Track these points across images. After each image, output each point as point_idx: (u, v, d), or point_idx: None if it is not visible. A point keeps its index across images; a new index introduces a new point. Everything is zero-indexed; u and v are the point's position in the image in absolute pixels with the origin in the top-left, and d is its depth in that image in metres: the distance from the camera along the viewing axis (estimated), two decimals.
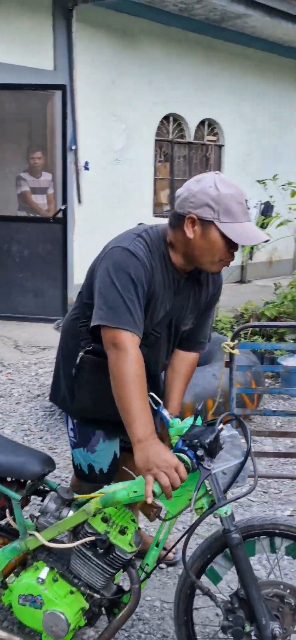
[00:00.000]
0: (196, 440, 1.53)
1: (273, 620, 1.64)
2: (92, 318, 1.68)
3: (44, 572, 1.76)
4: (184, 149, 8.31)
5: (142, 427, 1.55)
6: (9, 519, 1.85)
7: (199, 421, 1.66)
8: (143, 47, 7.32)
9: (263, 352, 4.73)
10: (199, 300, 1.91)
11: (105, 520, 1.67)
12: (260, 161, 9.02)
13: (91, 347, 1.82)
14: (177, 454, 1.53)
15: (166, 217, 7.82)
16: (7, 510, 1.86)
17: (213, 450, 1.53)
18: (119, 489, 1.64)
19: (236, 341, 2.51)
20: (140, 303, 1.66)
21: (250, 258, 9.14)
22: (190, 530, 1.60)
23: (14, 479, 1.85)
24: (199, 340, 2.01)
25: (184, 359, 2.00)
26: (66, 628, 1.71)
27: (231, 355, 2.53)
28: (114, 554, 1.66)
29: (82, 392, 1.88)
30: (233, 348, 2.49)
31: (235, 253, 1.73)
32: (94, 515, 1.67)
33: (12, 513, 1.84)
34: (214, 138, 8.71)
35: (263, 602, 1.62)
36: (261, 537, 1.72)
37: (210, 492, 1.59)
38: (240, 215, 1.65)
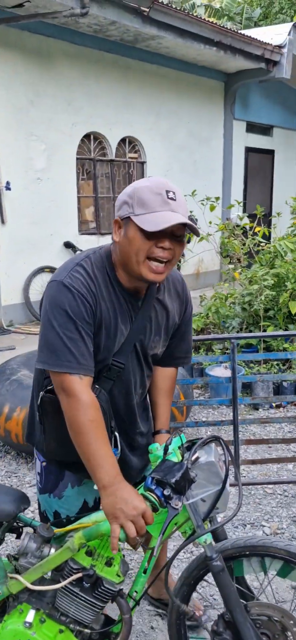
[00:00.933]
0: (163, 479, 1.48)
1: None
2: (36, 359, 1.58)
3: (30, 615, 1.67)
4: (107, 166, 8.39)
5: (106, 473, 1.48)
6: None
7: (174, 454, 1.61)
8: (60, 68, 7.34)
9: (192, 364, 4.87)
10: (164, 321, 1.76)
11: (90, 553, 1.61)
12: (180, 176, 9.30)
13: (52, 386, 1.64)
14: (145, 493, 1.49)
15: (93, 234, 7.92)
16: None
17: (181, 488, 1.49)
18: (102, 521, 1.57)
19: None
20: (83, 338, 1.54)
21: (178, 270, 9.35)
22: (171, 561, 1.59)
23: None
24: (177, 356, 1.90)
25: (163, 374, 1.91)
26: None
27: None
28: (102, 587, 1.60)
29: (49, 433, 1.73)
30: None
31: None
32: (78, 550, 1.60)
33: None
34: (135, 155, 8.87)
35: (250, 624, 1.61)
36: (252, 557, 1.69)
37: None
38: (157, 205, 1.50)
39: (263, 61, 9.34)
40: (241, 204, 6.36)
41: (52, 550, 1.65)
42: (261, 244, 6.06)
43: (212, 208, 5.41)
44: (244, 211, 9.27)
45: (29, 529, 1.72)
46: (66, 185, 7.67)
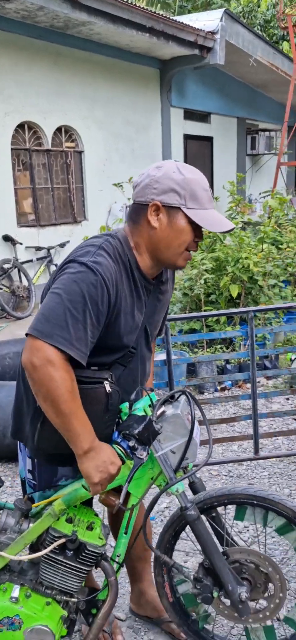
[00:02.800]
0: (127, 432, 1.54)
1: (241, 585, 1.70)
2: (28, 328, 1.46)
3: (16, 591, 1.67)
4: (43, 156, 8.18)
5: (85, 440, 1.48)
6: None
7: (140, 409, 1.63)
8: None
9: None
10: (165, 302, 1.81)
11: (70, 520, 1.63)
12: (119, 165, 9.22)
13: None
14: (113, 446, 1.55)
15: (32, 226, 7.64)
16: None
17: (144, 439, 1.54)
18: (79, 486, 1.60)
19: None
20: (87, 324, 1.44)
21: None
22: (147, 514, 1.68)
23: None
24: (160, 329, 1.93)
25: None
26: (52, 639, 1.64)
27: None
28: (86, 551, 1.63)
29: (49, 433, 1.60)
30: None
31: None
32: (58, 519, 1.62)
33: None
34: (72, 144, 8.69)
35: (229, 569, 1.68)
36: (257, 507, 1.75)
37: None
38: (206, 202, 1.57)
39: (196, 47, 9.39)
40: None
41: (31, 524, 1.65)
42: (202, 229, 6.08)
43: None
44: None
45: (7, 510, 1.71)
46: (1, 177, 7.41)
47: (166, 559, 1.75)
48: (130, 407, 1.63)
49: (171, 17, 9.37)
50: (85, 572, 1.65)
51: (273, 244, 6.23)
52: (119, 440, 1.56)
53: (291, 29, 11.66)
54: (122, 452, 1.55)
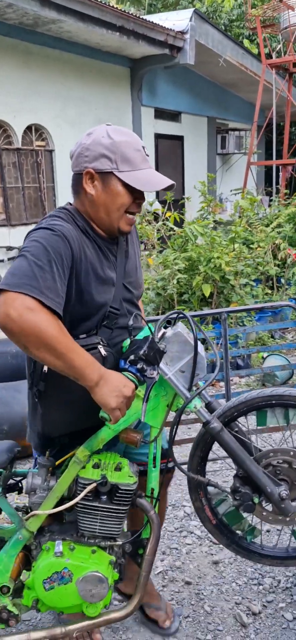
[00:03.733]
0: (132, 356, 1.55)
1: (279, 485, 1.71)
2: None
3: (59, 546, 1.66)
4: (14, 155, 8.06)
5: (92, 370, 1.46)
6: None
7: (145, 332, 1.63)
8: None
9: None
10: (135, 260, 1.83)
11: (97, 466, 1.63)
12: None
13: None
14: (123, 373, 1.55)
15: (3, 225, 7.51)
16: None
17: (151, 358, 1.54)
18: (100, 430, 1.61)
19: None
20: (53, 273, 1.41)
21: None
22: (172, 432, 1.67)
23: None
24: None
25: None
26: (106, 584, 1.64)
27: None
28: (119, 491, 1.63)
29: (56, 410, 1.63)
30: None
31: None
32: (84, 467, 1.61)
33: None
34: (43, 143, 8.60)
35: (264, 472, 1.70)
36: (276, 407, 1.76)
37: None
38: (139, 162, 1.58)
39: (166, 47, 9.41)
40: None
41: (58, 479, 1.65)
42: (174, 229, 6.12)
43: None
44: (157, 197, 9.33)
45: (32, 470, 1.72)
46: None
47: (201, 479, 1.78)
48: (130, 335, 1.64)
49: (141, 17, 9.36)
50: (123, 512, 1.66)
51: (244, 243, 6.33)
52: (126, 366, 1.56)
53: (260, 29, 11.82)
54: (132, 376, 1.54)
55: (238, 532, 1.91)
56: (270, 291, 6.25)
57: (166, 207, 6.43)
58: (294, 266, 6.24)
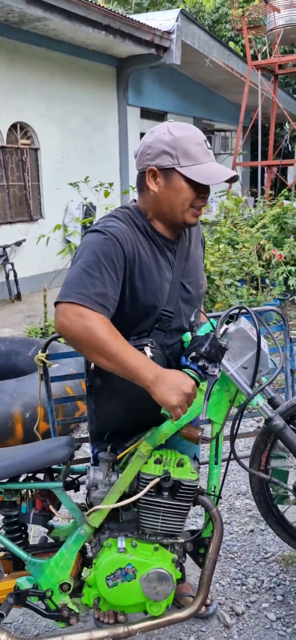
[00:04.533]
0: (194, 353, 1.53)
1: None
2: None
3: (121, 542, 1.64)
4: None
5: (147, 370, 1.47)
6: (56, 513, 1.69)
7: (207, 328, 1.62)
8: None
9: None
10: (197, 257, 1.82)
11: (159, 461, 1.62)
12: (76, 163, 9.14)
13: None
14: (184, 371, 1.53)
15: None
16: (50, 507, 1.69)
17: (213, 356, 1.53)
18: (162, 425, 1.60)
19: (47, 352, 2.44)
20: (104, 279, 1.48)
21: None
22: (234, 428, 1.66)
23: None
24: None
25: None
26: (171, 581, 1.62)
27: (45, 367, 2.46)
28: (182, 488, 1.61)
29: (104, 410, 1.71)
30: (46, 359, 2.42)
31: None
32: (146, 463, 1.60)
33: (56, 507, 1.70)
34: (28, 141, 8.55)
35: None
36: None
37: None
38: (201, 156, 1.57)
39: (153, 47, 9.42)
40: (134, 189, 6.39)
41: (120, 474, 1.63)
42: None
43: (106, 194, 5.34)
44: None
45: (93, 466, 1.71)
46: None
47: (263, 475, 1.77)
48: (191, 330, 1.64)
49: (127, 16, 9.35)
50: (185, 509, 1.65)
51: (229, 243, 6.35)
52: (188, 363, 1.55)
53: (246, 31, 11.88)
54: (193, 374, 1.53)
55: None
56: (254, 292, 6.28)
57: None
58: (278, 267, 6.28)
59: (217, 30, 16.27)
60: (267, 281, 6.57)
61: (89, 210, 8.70)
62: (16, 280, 7.89)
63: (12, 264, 7.85)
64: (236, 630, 2.05)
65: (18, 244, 8.07)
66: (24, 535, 1.75)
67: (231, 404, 1.69)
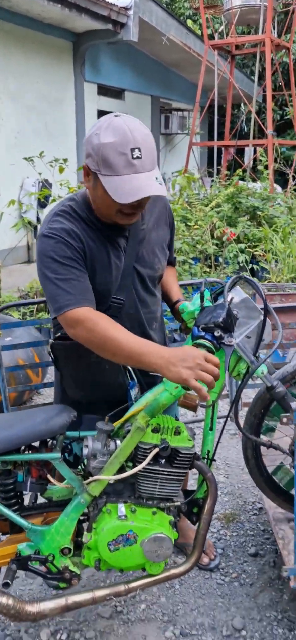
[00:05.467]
0: (210, 323, 1.55)
1: None
2: (50, 312, 1.68)
3: (121, 509, 1.70)
4: None
5: (155, 355, 1.51)
6: (54, 481, 1.74)
7: (208, 302, 1.65)
8: None
9: (50, 327, 4.82)
10: (157, 241, 1.82)
11: (156, 430, 1.66)
12: (32, 139, 8.99)
13: (59, 334, 1.75)
14: (197, 342, 1.55)
15: None
16: (48, 476, 1.73)
17: (228, 325, 1.56)
18: (159, 394, 1.63)
19: None
20: (76, 276, 1.59)
21: (35, 237, 9.13)
22: (237, 397, 1.73)
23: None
24: (170, 259, 1.97)
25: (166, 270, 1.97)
26: (170, 544, 1.71)
27: None
28: (180, 455, 1.67)
29: (65, 378, 1.83)
30: None
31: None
32: (146, 428, 1.64)
33: (54, 477, 1.75)
34: None
35: None
36: None
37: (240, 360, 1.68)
38: (121, 168, 1.49)
39: (110, 22, 9.32)
40: None
41: (118, 442, 1.68)
42: None
43: (61, 170, 5.34)
44: None
45: (91, 436, 1.74)
46: None
47: (262, 441, 1.87)
48: (202, 300, 1.66)
49: None
50: (182, 475, 1.71)
51: (182, 221, 6.46)
52: (202, 334, 1.55)
53: (203, 10, 11.91)
54: (209, 344, 1.54)
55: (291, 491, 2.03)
56: (208, 269, 6.43)
57: None
58: (230, 245, 6.45)
59: (175, 8, 16.21)
60: (220, 259, 6.74)
61: (44, 187, 8.61)
62: None
63: None
64: (178, 580, 2.19)
65: None
66: (20, 501, 1.79)
67: (230, 373, 1.74)
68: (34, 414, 1.81)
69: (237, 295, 1.68)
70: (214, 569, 2.24)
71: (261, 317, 1.69)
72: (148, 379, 1.77)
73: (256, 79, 11.90)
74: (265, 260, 5.90)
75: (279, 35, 11.96)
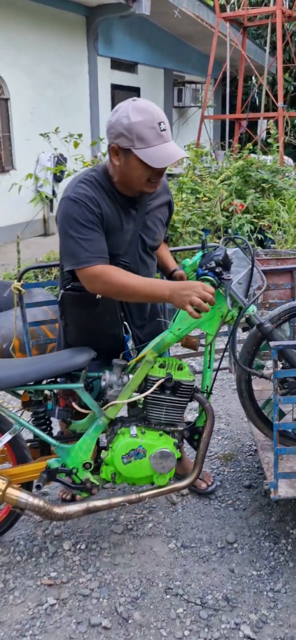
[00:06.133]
0: (211, 263, 1.91)
1: None
2: (64, 265, 1.97)
3: (133, 429, 2.05)
4: None
5: (161, 287, 1.90)
6: (78, 408, 2.09)
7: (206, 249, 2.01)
8: None
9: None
10: (159, 215, 2.14)
11: (162, 365, 2.01)
12: (47, 114, 9.23)
13: (70, 286, 2.03)
14: (202, 278, 1.90)
15: None
16: (73, 404, 2.09)
17: (227, 264, 1.92)
18: (165, 335, 1.99)
19: (22, 282, 2.84)
20: (95, 237, 1.89)
21: (51, 210, 9.42)
22: (233, 334, 2.04)
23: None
24: (165, 237, 2.33)
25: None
26: (173, 458, 2.05)
27: (20, 295, 2.84)
28: (182, 386, 2.02)
29: (69, 325, 2.12)
30: (20, 288, 2.82)
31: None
32: (152, 367, 1.99)
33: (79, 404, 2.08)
34: None
35: None
36: None
37: (233, 305, 1.99)
38: (153, 139, 1.81)
39: None
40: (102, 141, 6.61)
41: (130, 376, 2.04)
42: None
43: (76, 145, 5.57)
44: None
45: (107, 371, 2.08)
46: None
47: (255, 372, 2.17)
48: (203, 248, 2.02)
49: None
50: (184, 404, 2.06)
51: (191, 193, 6.67)
52: (205, 271, 1.91)
53: None
54: (212, 278, 1.89)
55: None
56: (217, 240, 6.67)
57: None
58: (239, 217, 6.66)
59: None
60: (230, 230, 6.97)
61: (59, 161, 8.85)
62: None
63: None
64: (181, 506, 2.52)
65: None
66: (49, 428, 2.16)
67: (223, 319, 2.05)
68: (60, 354, 2.13)
69: (230, 249, 2.05)
70: (211, 494, 2.56)
71: (250, 266, 2.02)
72: (141, 332, 2.19)
73: (267, 50, 11.89)
74: (271, 231, 6.12)
75: (291, 7, 11.89)
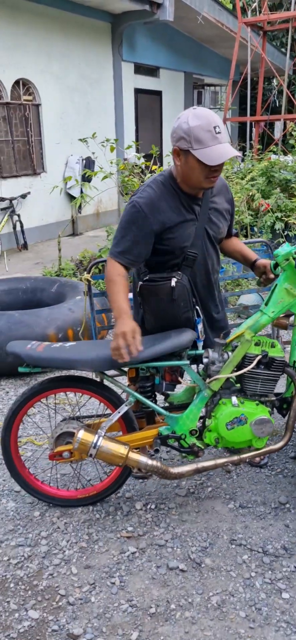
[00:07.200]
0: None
1: None
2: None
3: (234, 400, 2.31)
4: (3, 109, 8.42)
5: (117, 317, 2.16)
6: (183, 382, 2.38)
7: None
8: None
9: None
10: (221, 209, 2.35)
11: (258, 344, 2.27)
12: (75, 118, 9.58)
13: (147, 277, 2.31)
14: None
15: None
16: (179, 379, 2.36)
17: None
18: (260, 317, 2.25)
19: (91, 273, 3.18)
20: (133, 243, 2.19)
21: (79, 212, 9.76)
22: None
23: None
24: (232, 230, 2.55)
25: (231, 239, 2.57)
26: (271, 424, 2.31)
27: (89, 285, 3.17)
28: (275, 362, 2.28)
29: (148, 313, 2.38)
30: (89, 279, 3.15)
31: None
32: (251, 341, 2.23)
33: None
34: (30, 97, 8.95)
35: None
36: None
37: None
38: (208, 141, 2.04)
39: (147, 3, 9.73)
40: (137, 145, 6.93)
41: (229, 353, 2.31)
42: None
43: (112, 149, 5.88)
44: (137, 151, 9.82)
45: (208, 350, 2.35)
46: None
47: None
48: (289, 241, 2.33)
49: None
50: (276, 377, 2.32)
51: None
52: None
53: None
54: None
55: None
56: (244, 238, 6.95)
57: (152, 161, 6.98)
58: (265, 215, 6.94)
59: None
60: (255, 229, 7.24)
61: (87, 164, 9.20)
62: (22, 231, 8.45)
63: (19, 215, 8.39)
64: (236, 474, 2.81)
65: (23, 196, 8.59)
66: (154, 401, 2.43)
67: None
68: (167, 335, 2.31)
69: None
70: (264, 466, 2.85)
71: None
72: (211, 316, 2.47)
73: (288, 53, 12.13)
74: None
75: None
